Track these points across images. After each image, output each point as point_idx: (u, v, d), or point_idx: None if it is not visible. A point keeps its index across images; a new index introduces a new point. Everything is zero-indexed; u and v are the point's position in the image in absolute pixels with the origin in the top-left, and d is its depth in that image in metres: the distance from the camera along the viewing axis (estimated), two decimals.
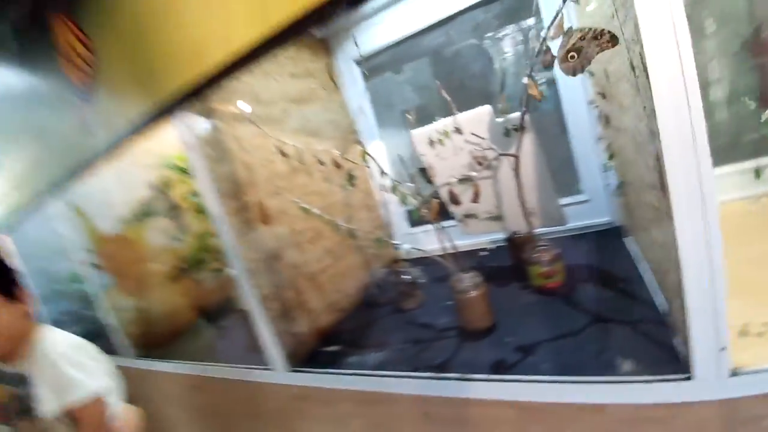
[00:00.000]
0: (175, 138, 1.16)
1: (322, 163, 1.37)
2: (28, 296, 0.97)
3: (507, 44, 1.49)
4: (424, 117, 1.33)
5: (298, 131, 1.53)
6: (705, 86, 1.08)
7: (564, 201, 1.39)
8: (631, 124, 0.83)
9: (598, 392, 0.78)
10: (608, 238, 1.33)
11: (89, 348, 1.00)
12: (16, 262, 2.63)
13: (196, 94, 1.01)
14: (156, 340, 1.92)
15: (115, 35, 1.11)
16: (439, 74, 1.68)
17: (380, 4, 1.57)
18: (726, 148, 1.09)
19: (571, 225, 1.29)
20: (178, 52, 0.96)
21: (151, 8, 0.98)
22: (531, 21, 1.40)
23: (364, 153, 1.08)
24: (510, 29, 1.47)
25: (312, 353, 1.31)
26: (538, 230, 1.24)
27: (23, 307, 0.94)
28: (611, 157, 1.13)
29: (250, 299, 1.19)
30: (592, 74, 1.13)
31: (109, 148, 1.26)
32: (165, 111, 1.07)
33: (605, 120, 1.13)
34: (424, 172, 1.40)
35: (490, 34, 1.50)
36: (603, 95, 1.08)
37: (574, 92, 1.32)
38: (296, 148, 1.35)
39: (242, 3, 0.83)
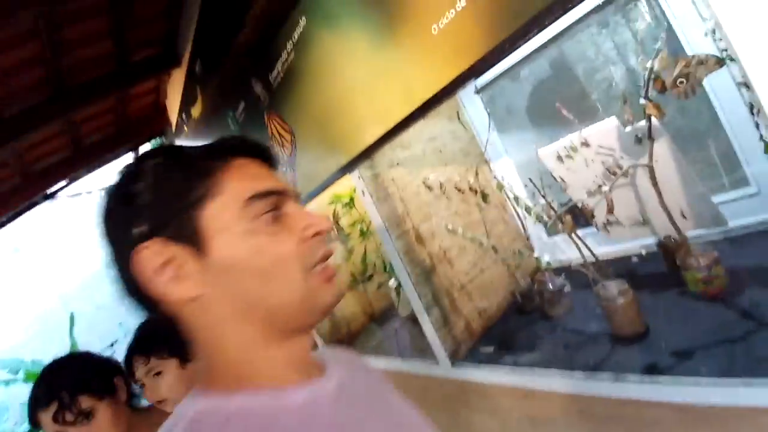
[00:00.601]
0: (343, 180, 1.57)
1: (460, 190, 1.60)
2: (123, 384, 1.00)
3: (625, 52, 1.47)
4: (551, 128, 1.43)
5: (435, 163, 1.81)
6: None
7: (727, 197, 1.28)
8: None
9: (766, 394, 0.77)
10: None
11: None
12: None
13: (365, 156, 1.38)
14: (339, 339, 2.43)
15: (309, 121, 1.59)
16: (558, 87, 1.74)
17: None
18: None
19: (735, 223, 1.19)
20: (352, 129, 1.35)
21: (332, 102, 1.41)
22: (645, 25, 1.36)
23: (500, 185, 1.26)
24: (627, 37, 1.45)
25: (469, 352, 1.53)
26: (694, 233, 1.20)
27: (119, 399, 0.98)
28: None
29: (416, 305, 1.49)
30: (732, 59, 1.07)
31: (308, 198, 1.77)
32: (344, 169, 1.48)
33: (749, 107, 1.04)
34: (541, 185, 1.48)
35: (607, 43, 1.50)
36: (746, 85, 1.01)
37: (720, 76, 1.22)
38: (437, 180, 1.62)
39: (394, 92, 1.14)
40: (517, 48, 0.82)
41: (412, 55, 1.04)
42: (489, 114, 1.47)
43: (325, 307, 0.41)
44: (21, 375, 4.05)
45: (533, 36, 0.78)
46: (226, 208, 0.39)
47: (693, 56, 0.70)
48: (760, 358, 0.82)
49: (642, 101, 0.88)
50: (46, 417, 0.90)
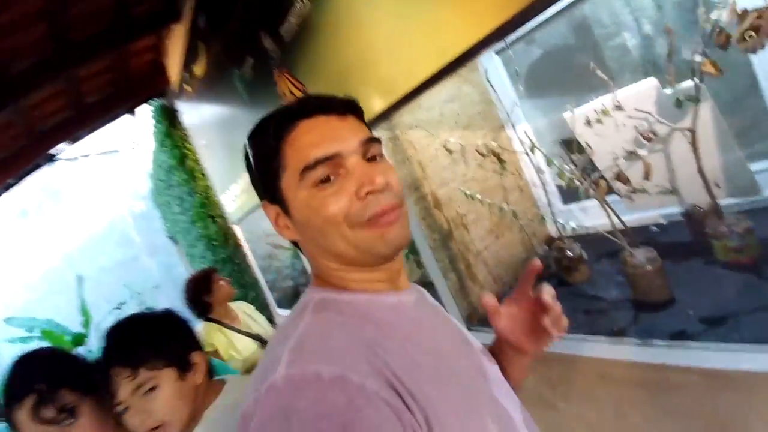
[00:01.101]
0: None
1: (481, 154, 1.55)
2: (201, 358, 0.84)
3: (669, 7, 1.37)
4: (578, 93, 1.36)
5: (453, 127, 1.74)
6: None
7: (758, 167, 1.24)
8: None
9: None
10: None
11: None
12: (245, 247, 3.65)
13: (386, 116, 1.32)
14: None
15: (326, 78, 1.51)
16: (587, 46, 1.64)
17: None
18: None
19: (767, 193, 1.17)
20: (375, 87, 1.28)
21: (352, 58, 1.32)
22: None
23: (534, 147, 1.21)
24: None
25: (484, 317, 1.55)
26: (725, 202, 1.17)
27: (194, 378, 0.80)
28: None
29: (433, 270, 1.49)
30: None
31: None
32: None
33: None
34: (581, 151, 1.44)
35: None
36: None
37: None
38: (457, 143, 1.57)
39: (423, 45, 1.07)
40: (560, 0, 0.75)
41: (445, 5, 0.96)
42: (517, 74, 1.39)
43: (379, 253, 0.48)
44: (36, 332, 4.15)
45: None
46: (291, 179, 0.48)
47: (767, 7, 0.64)
48: None
49: (698, 58, 0.82)
50: (21, 415, 0.75)
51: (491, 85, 1.50)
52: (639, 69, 1.41)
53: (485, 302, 0.57)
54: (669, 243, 1.39)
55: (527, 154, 1.43)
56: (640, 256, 1.11)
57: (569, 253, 1.44)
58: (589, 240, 1.53)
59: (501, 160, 1.80)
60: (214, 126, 2.89)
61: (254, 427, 0.37)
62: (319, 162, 0.46)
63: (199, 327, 1.88)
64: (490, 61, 1.85)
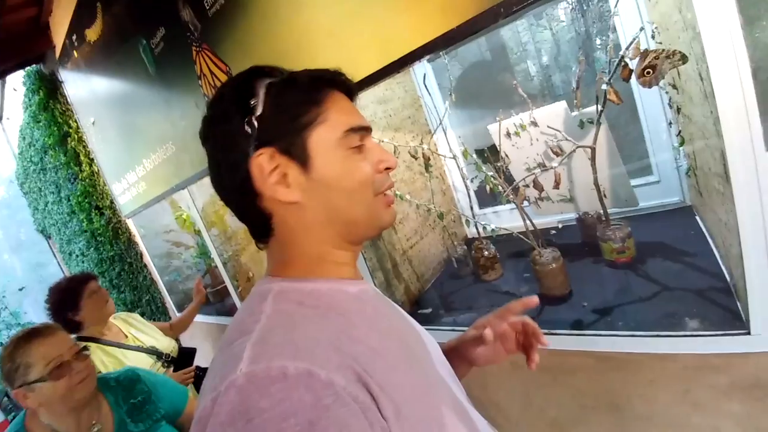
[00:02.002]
0: None
1: (413, 156, 1.60)
2: None
3: (581, 42, 1.59)
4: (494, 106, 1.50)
5: (385, 128, 1.77)
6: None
7: (634, 182, 1.51)
8: (700, 119, 0.96)
9: (670, 344, 0.95)
10: (680, 216, 1.44)
11: None
12: (140, 244, 3.22)
13: None
14: None
15: (254, 61, 1.40)
16: (510, 66, 1.82)
17: None
18: None
19: (642, 205, 1.42)
20: None
21: (286, 42, 1.26)
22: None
23: (466, 152, 1.28)
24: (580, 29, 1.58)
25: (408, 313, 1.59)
26: (611, 210, 1.38)
27: None
28: (682, 143, 1.24)
29: (363, 269, 1.48)
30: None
31: None
32: None
33: (677, 108, 1.23)
34: (498, 159, 1.58)
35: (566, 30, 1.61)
36: (674, 87, 1.19)
37: None
38: (391, 143, 1.59)
39: (366, 41, 1.06)
40: (510, 16, 0.81)
41: (395, 2, 0.97)
42: (451, 83, 1.47)
43: (383, 224, 0.52)
44: None
45: (529, 6, 0.78)
46: (330, 135, 0.47)
47: (662, 50, 0.78)
48: (664, 314, 1.01)
49: (604, 86, 0.96)
50: None
51: (427, 90, 1.56)
52: (552, 92, 1.59)
53: (486, 336, 0.59)
54: (565, 244, 1.60)
55: (454, 158, 1.51)
56: (547, 255, 1.26)
57: (486, 253, 1.56)
58: (501, 241, 1.68)
59: (428, 164, 1.88)
60: (108, 102, 2.49)
61: (211, 429, 0.33)
62: (362, 128, 0.49)
63: None
64: (421, 68, 1.93)
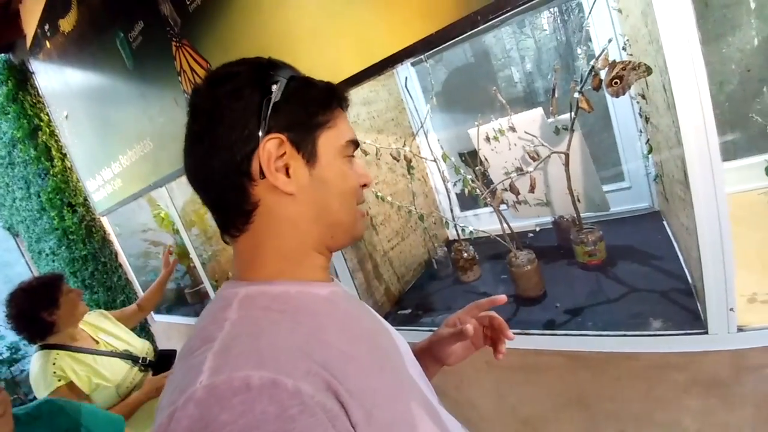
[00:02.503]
0: None
1: (395, 158, 1.61)
2: None
3: (556, 52, 1.64)
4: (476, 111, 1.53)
5: (368, 129, 1.78)
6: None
7: (607, 188, 1.56)
8: (665, 128, 1.01)
9: (633, 343, 0.99)
10: (649, 221, 1.50)
11: None
12: (115, 243, 3.13)
13: None
14: None
15: (234, 59, 1.39)
16: (487, 73, 1.86)
17: None
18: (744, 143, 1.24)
19: (614, 210, 1.47)
20: None
21: (268, 40, 1.25)
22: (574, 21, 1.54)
23: (446, 156, 1.31)
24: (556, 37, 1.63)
25: (387, 315, 1.60)
26: (584, 215, 1.43)
27: None
28: (650, 150, 1.29)
29: (342, 270, 1.49)
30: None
31: None
32: None
33: (645, 118, 1.29)
34: (481, 163, 1.61)
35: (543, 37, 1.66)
36: (644, 97, 1.24)
37: None
38: (374, 145, 1.60)
39: (348, 42, 1.07)
40: (487, 23, 0.84)
41: (377, 5, 0.98)
42: (432, 87, 1.49)
43: (356, 234, 0.55)
44: None
45: (504, 14, 0.81)
46: (336, 140, 0.50)
47: (629, 61, 0.82)
48: (631, 315, 1.05)
49: (576, 95, 1.00)
50: None
51: (409, 94, 1.58)
52: (534, 99, 1.64)
53: (467, 330, 0.60)
54: (541, 247, 1.64)
55: (435, 161, 1.54)
56: (522, 257, 1.29)
57: (465, 255, 1.59)
58: (480, 243, 1.71)
59: (410, 166, 1.90)
60: (82, 95, 2.41)
61: None
62: (356, 142, 0.54)
63: (36, 358, 1.39)
64: (405, 71, 1.95)
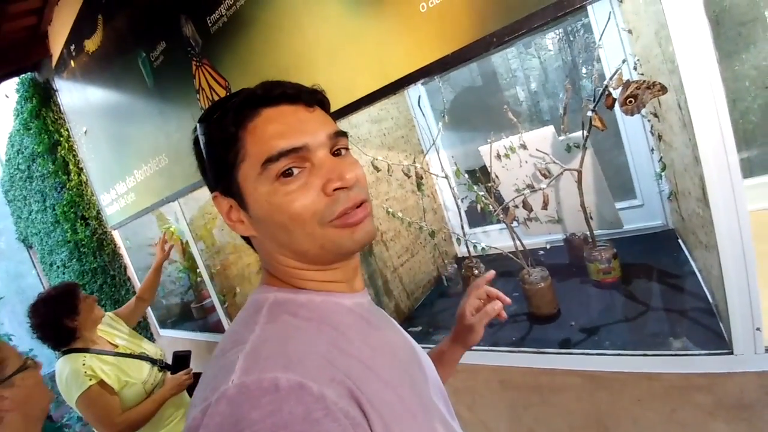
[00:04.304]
0: None
1: (406, 174, 1.63)
2: None
3: (567, 71, 1.67)
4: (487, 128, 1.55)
5: (379, 146, 1.81)
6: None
7: (619, 206, 1.55)
8: (681, 146, 1.01)
9: (654, 363, 0.97)
10: (663, 239, 1.48)
11: None
12: (124, 257, 3.15)
13: None
14: None
15: (253, 78, 1.44)
16: (500, 91, 1.89)
17: None
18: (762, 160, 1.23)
19: (626, 227, 1.46)
20: None
21: (286, 60, 1.29)
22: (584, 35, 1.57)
23: (459, 172, 1.32)
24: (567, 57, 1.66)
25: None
26: (597, 232, 1.42)
27: None
28: (664, 168, 1.29)
29: None
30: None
31: None
32: None
33: (658, 136, 1.29)
34: (488, 179, 1.62)
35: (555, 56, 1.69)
36: (656, 115, 1.25)
37: None
38: (384, 162, 1.62)
39: (365, 63, 1.10)
40: (503, 44, 0.86)
41: (393, 28, 1.01)
42: (444, 105, 1.51)
43: (347, 251, 0.47)
44: None
45: (520, 36, 0.83)
46: (250, 171, 0.44)
47: (644, 81, 0.83)
48: (650, 334, 1.03)
49: (589, 113, 1.01)
50: None
51: (422, 112, 1.60)
52: (539, 117, 1.65)
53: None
54: (552, 264, 1.63)
55: (446, 178, 1.55)
56: (535, 274, 1.28)
57: (476, 272, 1.58)
58: (490, 260, 1.70)
59: (420, 183, 1.91)
60: (102, 112, 2.49)
61: None
62: (283, 154, 0.43)
63: (63, 363, 1.42)
64: (416, 90, 1.99)
